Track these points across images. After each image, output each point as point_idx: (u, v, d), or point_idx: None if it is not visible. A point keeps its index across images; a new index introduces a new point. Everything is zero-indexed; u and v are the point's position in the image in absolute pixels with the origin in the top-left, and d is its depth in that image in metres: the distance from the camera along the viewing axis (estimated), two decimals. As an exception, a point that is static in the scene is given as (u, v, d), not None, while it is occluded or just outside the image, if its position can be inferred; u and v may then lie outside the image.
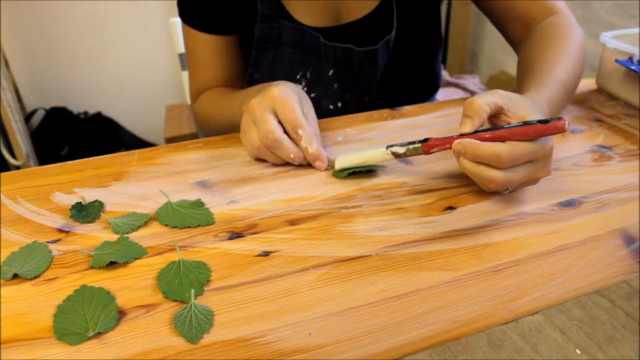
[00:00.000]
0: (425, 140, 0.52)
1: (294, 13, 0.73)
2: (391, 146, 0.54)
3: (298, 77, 0.76)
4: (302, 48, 0.75)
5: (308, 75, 0.76)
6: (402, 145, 0.54)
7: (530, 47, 0.68)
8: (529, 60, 0.66)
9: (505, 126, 0.48)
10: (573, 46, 0.66)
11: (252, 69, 0.77)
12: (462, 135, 0.49)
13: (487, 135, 0.47)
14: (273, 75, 0.76)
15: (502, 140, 0.47)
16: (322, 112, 0.77)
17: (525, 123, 0.47)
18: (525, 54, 0.68)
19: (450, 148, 0.49)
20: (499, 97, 0.50)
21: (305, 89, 0.77)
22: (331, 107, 0.79)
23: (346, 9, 0.75)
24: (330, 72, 0.76)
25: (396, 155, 0.54)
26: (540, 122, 0.46)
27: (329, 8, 0.74)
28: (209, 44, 0.76)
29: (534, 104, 0.53)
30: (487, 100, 0.49)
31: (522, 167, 0.47)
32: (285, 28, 0.73)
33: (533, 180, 0.50)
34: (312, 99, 0.76)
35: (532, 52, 0.67)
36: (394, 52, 0.77)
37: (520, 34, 0.75)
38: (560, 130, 0.46)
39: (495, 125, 0.51)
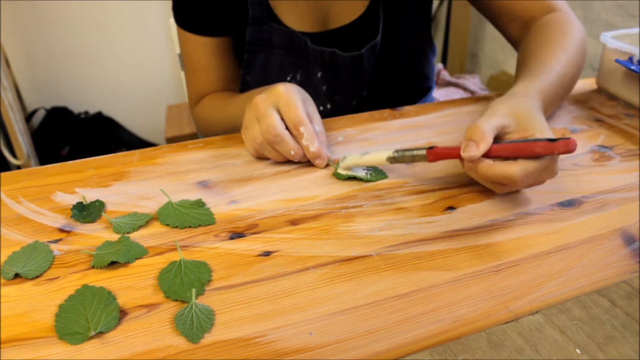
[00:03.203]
0: (431, 147, 0.51)
1: (282, 17, 0.74)
2: (396, 151, 0.53)
3: (288, 79, 0.77)
4: (291, 51, 0.75)
5: (298, 77, 0.77)
6: (406, 150, 0.53)
7: (527, 43, 0.68)
8: (526, 54, 0.66)
9: (513, 141, 0.47)
10: (571, 40, 0.66)
11: (244, 71, 0.78)
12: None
13: (495, 150, 0.47)
14: (265, 77, 0.76)
15: (509, 155, 0.47)
16: None
17: (534, 140, 0.46)
18: (522, 50, 0.69)
19: (457, 157, 0.49)
20: (501, 118, 0.49)
21: None
22: (321, 108, 0.79)
23: (334, 14, 0.75)
24: (319, 75, 0.77)
25: (397, 161, 0.53)
26: (549, 140, 0.45)
27: (317, 13, 0.74)
28: (206, 45, 0.77)
29: (530, 102, 0.53)
30: (492, 124, 0.48)
31: (532, 176, 0.47)
32: (275, 31, 0.73)
33: (540, 183, 0.50)
34: None
35: (529, 47, 0.67)
36: (383, 56, 0.77)
37: (519, 33, 0.75)
38: (569, 150, 0.45)
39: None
